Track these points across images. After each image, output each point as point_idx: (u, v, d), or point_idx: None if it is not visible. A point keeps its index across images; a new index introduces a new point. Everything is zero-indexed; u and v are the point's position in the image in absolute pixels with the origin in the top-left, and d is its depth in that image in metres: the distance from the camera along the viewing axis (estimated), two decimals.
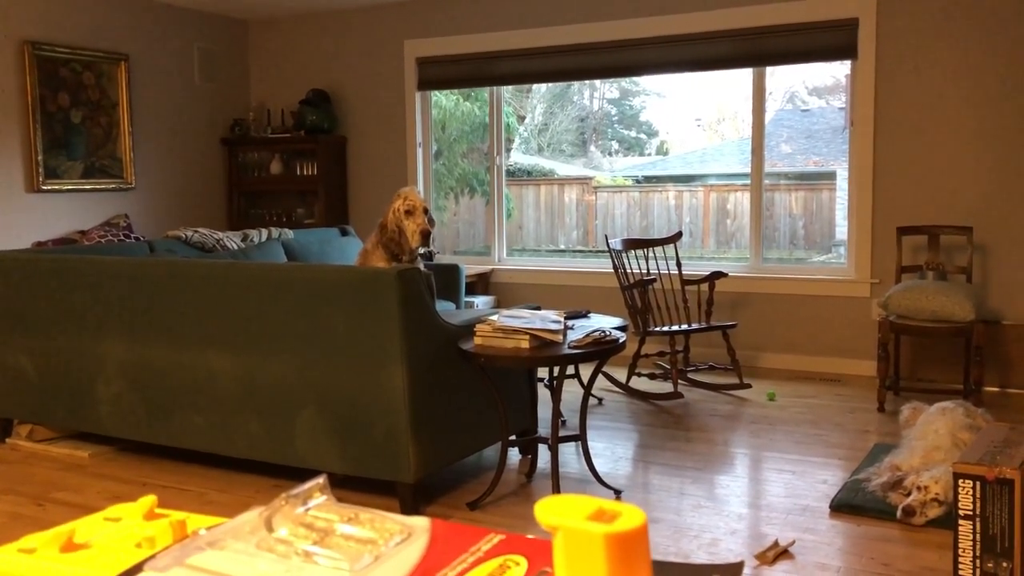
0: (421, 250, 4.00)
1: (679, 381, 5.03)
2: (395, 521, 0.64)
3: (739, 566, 0.61)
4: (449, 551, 0.61)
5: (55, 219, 5.96)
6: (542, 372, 4.58)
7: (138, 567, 0.62)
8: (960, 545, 2.49)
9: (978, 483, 2.44)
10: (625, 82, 8.99)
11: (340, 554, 0.59)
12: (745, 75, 5.92)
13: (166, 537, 0.70)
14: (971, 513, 2.47)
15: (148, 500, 0.75)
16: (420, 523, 0.65)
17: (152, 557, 0.61)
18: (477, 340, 3.29)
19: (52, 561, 0.67)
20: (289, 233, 5.55)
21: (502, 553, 0.61)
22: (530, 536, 0.64)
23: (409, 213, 3.92)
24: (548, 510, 0.53)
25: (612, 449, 4.06)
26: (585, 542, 0.51)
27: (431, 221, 4.01)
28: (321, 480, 0.65)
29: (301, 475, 3.68)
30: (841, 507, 3.24)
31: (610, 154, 9.31)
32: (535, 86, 8.52)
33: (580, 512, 0.52)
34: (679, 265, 5.43)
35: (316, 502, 0.64)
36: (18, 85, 5.73)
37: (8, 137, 5.70)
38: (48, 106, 5.89)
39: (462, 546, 0.62)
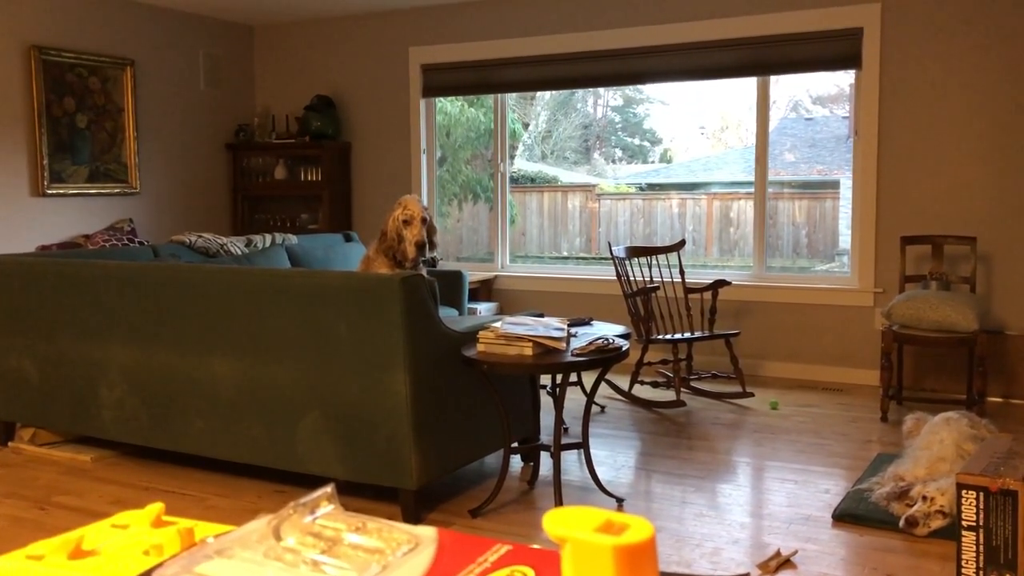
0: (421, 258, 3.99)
1: (682, 389, 5.03)
2: (402, 531, 0.64)
3: None
4: (456, 561, 0.61)
5: (60, 223, 5.97)
6: (544, 379, 4.58)
7: (146, 575, 0.62)
8: (963, 556, 2.49)
9: (982, 494, 2.44)
10: (629, 90, 9.00)
11: (348, 563, 0.59)
12: (749, 84, 5.93)
13: (174, 545, 0.70)
14: (974, 524, 2.46)
15: (155, 507, 0.76)
16: (427, 533, 0.65)
17: (160, 565, 0.61)
18: (480, 347, 3.29)
19: (60, 568, 0.67)
20: (293, 239, 5.56)
21: (509, 564, 0.61)
22: (536, 546, 0.64)
23: (407, 223, 3.90)
24: (557, 521, 0.53)
25: (614, 457, 4.06)
26: (594, 554, 0.51)
27: (432, 229, 3.99)
28: (329, 489, 0.65)
29: (303, 480, 3.67)
30: (844, 517, 3.24)
31: (613, 161, 9.33)
32: (539, 93, 8.54)
33: (589, 524, 0.52)
34: (682, 273, 5.43)
35: (324, 511, 0.64)
36: (24, 89, 5.75)
37: (14, 141, 5.71)
38: (54, 111, 5.90)
39: (469, 556, 0.62)
